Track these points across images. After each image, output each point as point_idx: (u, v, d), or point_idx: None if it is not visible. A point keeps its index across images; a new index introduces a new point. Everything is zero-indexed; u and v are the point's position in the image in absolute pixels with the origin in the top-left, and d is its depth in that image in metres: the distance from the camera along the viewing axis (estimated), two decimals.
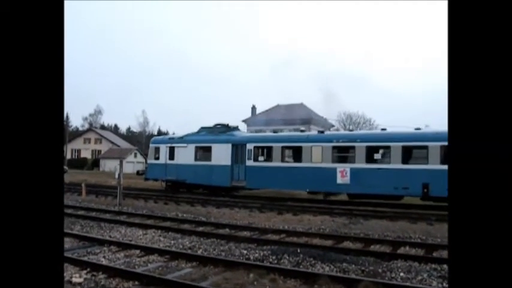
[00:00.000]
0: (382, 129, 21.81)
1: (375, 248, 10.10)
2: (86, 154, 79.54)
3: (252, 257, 8.81)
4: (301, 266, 8.10)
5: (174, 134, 29.89)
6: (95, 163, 71.05)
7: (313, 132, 24.12)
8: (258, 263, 8.18)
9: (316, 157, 21.41)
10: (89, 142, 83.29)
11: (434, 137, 18.78)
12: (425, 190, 18.48)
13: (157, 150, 27.73)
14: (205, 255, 8.74)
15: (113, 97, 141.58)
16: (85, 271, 7.50)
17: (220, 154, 24.47)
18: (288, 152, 23.21)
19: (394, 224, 14.08)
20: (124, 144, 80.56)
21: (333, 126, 58.70)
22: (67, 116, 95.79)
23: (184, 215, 15.72)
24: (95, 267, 7.64)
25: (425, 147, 18.92)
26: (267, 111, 61.36)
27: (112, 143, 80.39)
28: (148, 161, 29.35)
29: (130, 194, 22.89)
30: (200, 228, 12.55)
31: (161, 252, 9.01)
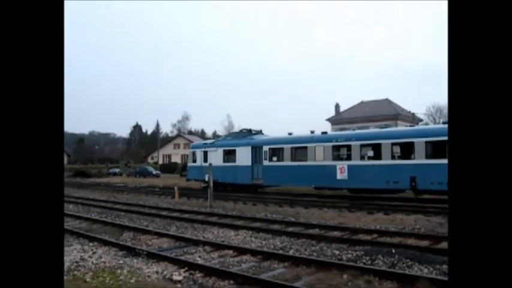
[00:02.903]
0: None
1: None
2: (176, 159, 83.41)
3: (344, 258, 8.66)
4: (397, 267, 7.80)
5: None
6: (184, 167, 74.02)
7: (318, 133, 26.00)
8: (351, 263, 8.01)
9: (319, 156, 23.95)
10: (178, 147, 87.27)
11: (420, 133, 20.87)
12: (413, 183, 19.95)
13: (194, 154, 32.21)
14: (297, 256, 8.73)
15: (200, 103, 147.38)
16: (183, 269, 7.83)
17: (242, 156, 28.08)
18: (296, 152, 25.56)
19: None
20: None
21: (421, 120, 55.94)
22: (157, 123, 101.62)
23: (274, 216, 15.85)
24: (192, 266, 7.94)
25: (412, 143, 20.42)
26: (350, 108, 60.13)
27: None
28: (188, 164, 33.75)
29: (220, 196, 23.57)
30: (290, 229, 12.58)
31: (253, 252, 9.15)
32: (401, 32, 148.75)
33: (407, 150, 20.77)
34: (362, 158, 22.26)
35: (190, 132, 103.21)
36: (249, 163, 27.49)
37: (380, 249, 9.14)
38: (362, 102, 60.08)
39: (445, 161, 17.78)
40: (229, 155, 29.19)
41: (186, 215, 16.49)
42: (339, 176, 22.70)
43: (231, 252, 9.38)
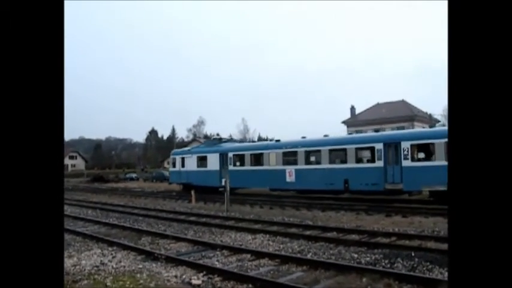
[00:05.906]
0: None
1: None
2: None
3: (363, 261, 8.60)
4: (416, 271, 7.72)
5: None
6: None
7: (273, 141, 29.62)
8: (370, 266, 7.96)
9: (272, 161, 27.31)
10: None
11: (351, 140, 24.03)
12: (346, 185, 22.66)
13: (174, 160, 36.09)
14: (315, 259, 8.70)
15: (215, 107, 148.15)
16: (201, 274, 7.87)
17: (212, 162, 31.65)
18: (255, 158, 29.00)
19: None
20: None
21: (438, 121, 55.21)
22: (173, 128, 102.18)
23: (291, 219, 15.80)
24: (211, 270, 7.98)
25: (344, 150, 23.32)
26: (366, 110, 59.75)
27: None
28: (170, 169, 38.39)
29: (237, 200, 23.61)
30: (307, 232, 12.53)
31: (271, 256, 9.14)
32: (419, 31, 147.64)
33: (341, 155, 23.57)
34: (307, 162, 25.11)
35: (206, 137, 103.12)
36: (217, 168, 31.01)
37: (399, 253, 9.07)
38: (378, 104, 59.61)
39: (370, 164, 21.87)
40: (202, 160, 32.81)
41: (203, 219, 16.56)
42: (287, 179, 25.83)
43: (248, 256, 9.38)
